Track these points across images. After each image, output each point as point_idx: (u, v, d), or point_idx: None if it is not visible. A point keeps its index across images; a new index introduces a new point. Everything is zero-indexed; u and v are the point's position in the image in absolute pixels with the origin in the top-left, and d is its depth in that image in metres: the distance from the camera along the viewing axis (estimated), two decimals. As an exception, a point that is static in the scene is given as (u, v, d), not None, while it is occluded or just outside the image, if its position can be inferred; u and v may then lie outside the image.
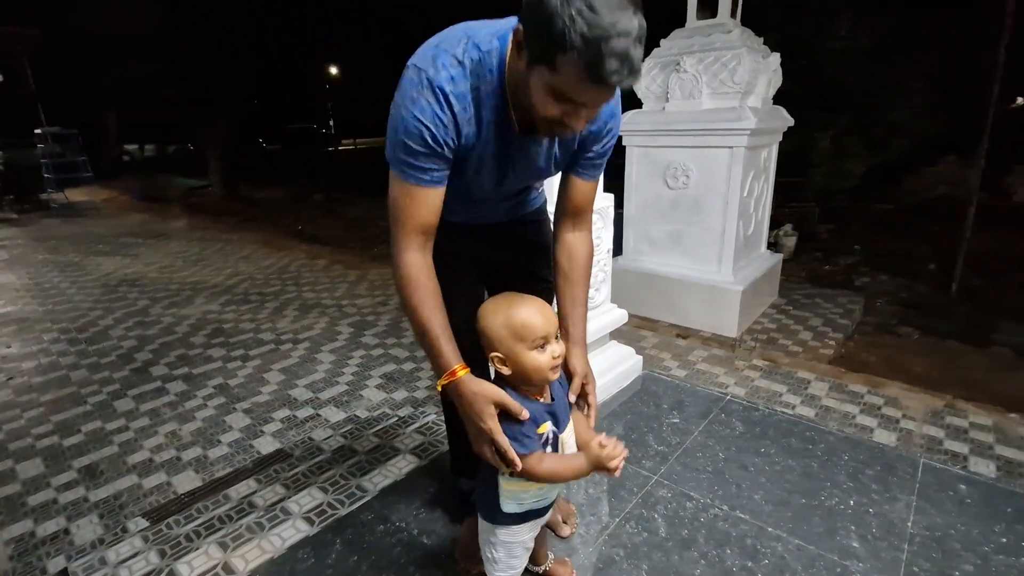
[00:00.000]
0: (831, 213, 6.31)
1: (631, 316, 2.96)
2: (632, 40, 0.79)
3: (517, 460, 0.98)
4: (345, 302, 3.98)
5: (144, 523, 1.73)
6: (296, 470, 1.96)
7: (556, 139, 1.10)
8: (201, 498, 1.84)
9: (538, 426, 1.03)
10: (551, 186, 1.49)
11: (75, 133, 11.17)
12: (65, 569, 1.55)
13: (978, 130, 3.92)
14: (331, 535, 1.61)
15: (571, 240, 1.24)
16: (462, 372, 1.02)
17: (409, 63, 0.99)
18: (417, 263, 1.05)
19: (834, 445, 1.99)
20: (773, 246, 4.48)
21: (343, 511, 1.70)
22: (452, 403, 1.46)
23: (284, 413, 2.44)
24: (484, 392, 0.99)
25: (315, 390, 2.65)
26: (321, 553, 1.54)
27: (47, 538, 1.73)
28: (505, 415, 1.01)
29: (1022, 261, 4.69)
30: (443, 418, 2.14)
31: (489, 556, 1.20)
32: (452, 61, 0.96)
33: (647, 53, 3.29)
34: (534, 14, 0.83)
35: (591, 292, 2.18)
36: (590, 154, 1.16)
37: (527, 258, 1.39)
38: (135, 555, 1.55)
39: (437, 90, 0.95)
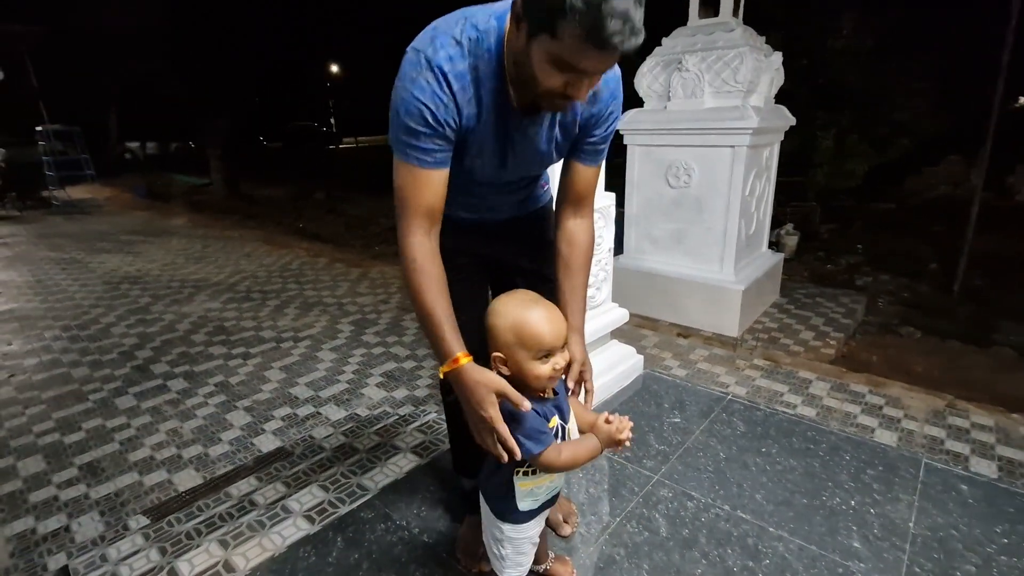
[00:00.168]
0: (833, 213, 6.31)
1: (632, 315, 2.96)
2: (632, 1, 0.79)
3: (517, 449, 0.98)
4: (346, 300, 3.98)
5: (145, 520, 1.73)
6: (297, 468, 1.96)
7: (556, 121, 1.09)
8: (202, 496, 1.84)
9: (548, 421, 1.04)
10: (556, 184, 1.48)
11: (77, 131, 11.18)
12: (66, 566, 1.55)
13: (980, 130, 3.91)
14: (332, 533, 1.61)
15: (572, 227, 1.25)
16: (464, 360, 1.01)
17: (409, 47, 1.00)
18: (422, 247, 1.04)
19: (836, 445, 1.99)
20: (775, 245, 4.48)
21: (344, 509, 1.70)
22: (453, 402, 1.46)
23: (285, 411, 2.44)
24: (486, 381, 0.99)
25: (316, 388, 2.65)
26: (322, 551, 1.54)
27: (48, 535, 1.74)
28: (519, 416, 1.01)
29: (1024, 261, 4.69)
30: (444, 416, 2.15)
31: (496, 553, 1.20)
32: (450, 41, 0.96)
33: (648, 52, 3.29)
34: None
35: (592, 291, 2.18)
36: (592, 139, 1.15)
37: (532, 257, 1.38)
38: (136, 552, 1.56)
39: (436, 69, 0.95)
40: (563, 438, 1.08)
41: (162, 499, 1.88)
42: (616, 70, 1.11)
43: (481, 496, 1.20)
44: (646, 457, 1.94)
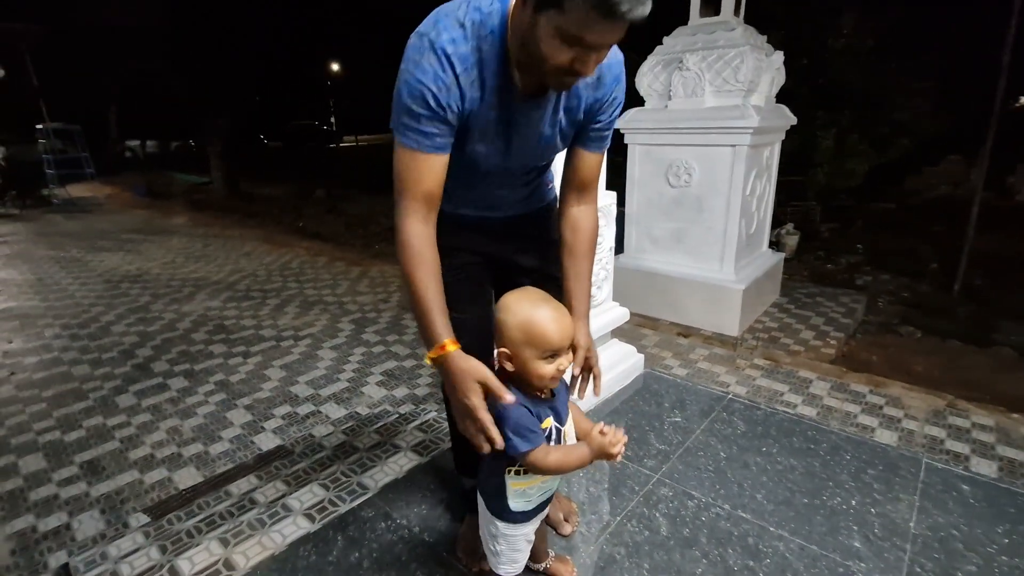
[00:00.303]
0: (834, 212, 6.31)
1: (632, 314, 2.96)
2: None
3: (498, 438, 0.98)
4: (346, 299, 3.98)
5: (145, 519, 1.73)
6: (297, 466, 1.96)
7: (560, 106, 1.09)
8: (202, 494, 1.84)
9: (541, 421, 1.04)
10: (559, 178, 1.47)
11: (77, 129, 11.18)
12: (66, 564, 1.55)
13: (981, 130, 3.91)
14: (332, 532, 1.61)
15: (576, 214, 1.25)
16: (451, 347, 1.01)
17: (413, 32, 1.00)
18: (418, 232, 1.05)
19: (836, 445, 1.99)
20: (775, 245, 4.47)
21: (344, 508, 1.70)
22: None
23: (285, 409, 2.44)
24: (470, 369, 0.99)
25: (316, 387, 2.65)
26: (322, 550, 1.54)
27: (48, 533, 1.74)
28: (510, 412, 1.01)
29: (1025, 261, 4.69)
30: (444, 415, 2.15)
31: (492, 550, 1.21)
32: (453, 23, 0.97)
33: (649, 51, 3.29)
34: None
35: (593, 290, 2.18)
36: (597, 125, 1.16)
37: (538, 256, 1.37)
38: (136, 550, 1.55)
39: (439, 51, 0.95)
40: (558, 441, 1.08)
41: (162, 497, 1.88)
42: (619, 55, 1.12)
43: (479, 492, 1.21)
44: (646, 456, 1.94)
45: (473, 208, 1.27)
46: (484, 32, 0.97)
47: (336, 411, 2.41)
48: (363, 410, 2.42)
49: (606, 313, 2.32)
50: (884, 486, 1.76)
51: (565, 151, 1.24)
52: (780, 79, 3.28)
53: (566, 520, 1.58)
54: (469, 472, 1.51)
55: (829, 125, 5.68)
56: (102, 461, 2.11)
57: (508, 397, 0.99)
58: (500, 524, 1.16)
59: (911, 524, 1.60)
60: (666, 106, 3.18)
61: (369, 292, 4.14)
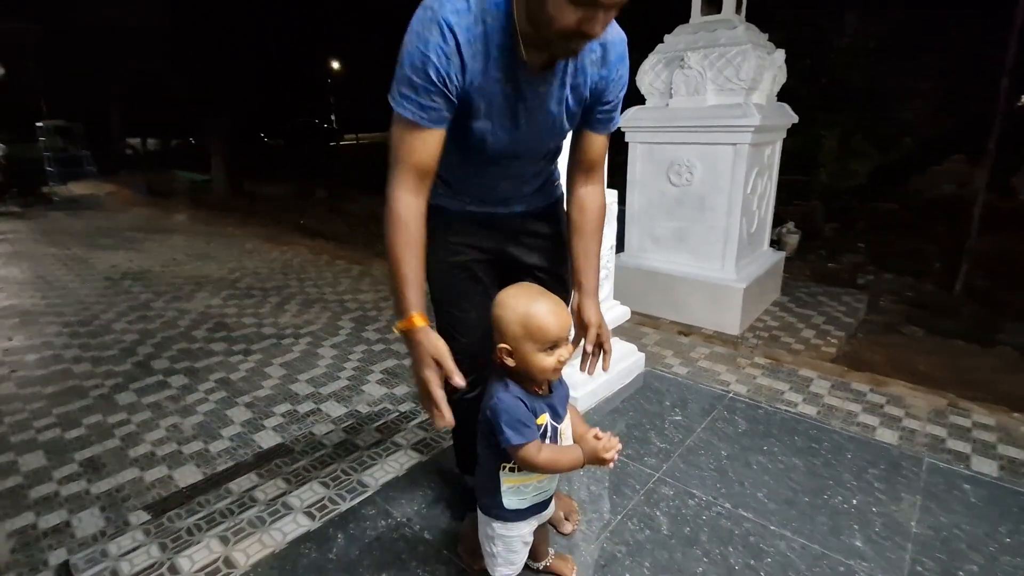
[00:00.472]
0: (836, 212, 6.29)
1: (633, 313, 2.95)
2: None
3: (448, 415, 1.01)
4: (347, 297, 3.98)
5: (145, 516, 1.73)
6: (297, 464, 1.95)
7: (567, 82, 1.09)
8: (202, 492, 1.84)
9: (536, 417, 1.04)
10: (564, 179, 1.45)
11: (78, 127, 11.19)
12: (67, 562, 1.55)
13: (985, 130, 3.90)
14: (332, 530, 1.60)
15: (583, 193, 1.27)
16: (419, 322, 1.03)
17: (419, 5, 1.01)
18: (407, 203, 1.06)
19: (838, 444, 1.98)
20: (775, 244, 4.47)
21: (344, 506, 1.70)
22: (457, 400, 1.45)
23: (285, 407, 2.44)
24: (429, 345, 1.02)
25: (316, 385, 2.65)
26: (322, 548, 1.54)
27: (49, 530, 1.73)
28: (505, 404, 1.02)
29: (1027, 261, 4.67)
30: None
31: (488, 551, 1.21)
32: None
33: (650, 49, 3.28)
34: None
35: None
36: (604, 106, 1.16)
37: (547, 257, 1.37)
38: (136, 548, 1.55)
39: (442, 22, 0.96)
40: (555, 439, 1.08)
41: (163, 495, 1.88)
42: (622, 35, 1.12)
43: (476, 492, 1.20)
44: (647, 455, 1.93)
45: (480, 203, 1.27)
46: (488, 4, 0.98)
47: (336, 409, 2.41)
48: (363, 408, 2.41)
49: (607, 312, 2.31)
50: (886, 485, 1.76)
51: (571, 137, 1.24)
52: (782, 77, 3.28)
53: (567, 518, 1.57)
54: (470, 470, 1.50)
55: (833, 125, 5.68)
56: (102, 459, 2.11)
57: (458, 380, 1.01)
58: (495, 524, 1.16)
59: (913, 523, 1.59)
60: (667, 104, 3.17)
61: (370, 290, 4.14)
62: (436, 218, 1.30)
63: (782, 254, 3.75)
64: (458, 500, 1.67)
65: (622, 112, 1.26)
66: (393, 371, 2.77)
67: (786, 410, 2.24)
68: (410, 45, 0.98)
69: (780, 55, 3.14)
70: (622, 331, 2.83)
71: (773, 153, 3.37)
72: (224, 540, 1.57)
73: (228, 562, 1.49)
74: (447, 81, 0.99)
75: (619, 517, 1.63)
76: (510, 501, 1.12)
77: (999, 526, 1.58)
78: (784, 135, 3.44)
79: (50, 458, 2.12)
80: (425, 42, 0.96)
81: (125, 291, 4.27)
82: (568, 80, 1.09)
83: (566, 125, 1.17)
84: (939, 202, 6.85)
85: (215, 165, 10.47)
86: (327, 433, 2.19)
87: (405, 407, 2.38)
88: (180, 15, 9.73)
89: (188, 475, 1.98)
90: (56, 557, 1.62)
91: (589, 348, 1.22)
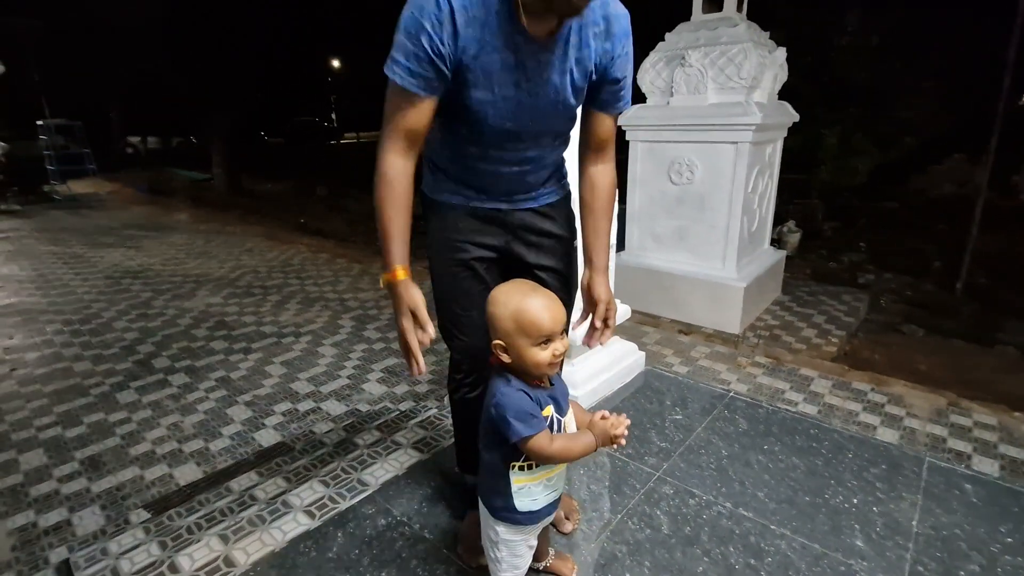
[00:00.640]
0: (837, 210, 6.29)
1: (634, 312, 2.95)
2: None
3: (421, 362, 1.10)
4: (348, 296, 3.98)
5: (146, 514, 1.73)
6: (297, 463, 1.95)
7: (571, 54, 1.09)
8: (203, 490, 1.84)
9: (542, 409, 1.04)
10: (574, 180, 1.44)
11: (78, 125, 11.18)
12: (67, 560, 1.55)
13: (986, 128, 3.89)
14: (332, 528, 1.60)
15: (593, 172, 1.30)
16: (402, 275, 1.11)
17: None
18: (396, 164, 1.10)
19: (839, 443, 1.98)
20: (776, 242, 4.46)
21: (344, 504, 1.70)
22: (458, 400, 1.45)
23: (286, 406, 2.44)
24: (407, 297, 1.10)
25: (317, 383, 2.65)
26: (322, 546, 1.54)
27: (49, 528, 1.74)
28: (511, 398, 1.02)
29: (1028, 260, 4.67)
30: (445, 412, 2.15)
31: (492, 556, 1.19)
32: None
33: (651, 47, 3.28)
34: None
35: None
36: (612, 85, 1.17)
37: (552, 255, 1.35)
38: (137, 546, 1.55)
39: None
40: (559, 432, 1.07)
41: (163, 493, 1.88)
42: (624, 10, 1.13)
43: (478, 495, 1.19)
44: (648, 454, 1.93)
45: (484, 197, 1.26)
46: None
47: (337, 408, 2.41)
48: (364, 407, 2.41)
49: (608, 310, 2.31)
50: (886, 485, 1.75)
51: (580, 118, 1.26)
52: (783, 76, 3.27)
53: (567, 518, 1.57)
54: (470, 469, 1.51)
55: (834, 123, 5.67)
56: (103, 457, 2.11)
57: (430, 330, 1.11)
58: (500, 529, 1.14)
59: (913, 523, 1.59)
60: (668, 103, 3.16)
61: (370, 289, 4.14)
62: (439, 215, 1.30)
63: (783, 253, 3.74)
64: (458, 499, 1.67)
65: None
66: (393, 369, 2.77)
67: (787, 409, 2.24)
68: (407, 12, 1.00)
69: (781, 53, 3.14)
70: (622, 330, 2.83)
71: (774, 152, 3.37)
72: (224, 538, 1.57)
73: (228, 560, 1.49)
74: (441, 46, 1.00)
75: (619, 516, 1.63)
76: (522, 503, 1.10)
77: (1000, 526, 1.58)
78: (785, 134, 3.43)
79: (50, 456, 2.12)
80: (420, 9, 0.98)
81: (126, 289, 4.27)
82: (572, 53, 1.09)
83: (571, 100, 1.15)
84: (940, 201, 6.85)
85: (216, 164, 10.46)
86: (327, 432, 2.19)
87: (405, 406, 2.38)
88: (181, 14, 9.71)
89: (188, 473, 1.99)
90: (56, 555, 1.62)
91: (598, 323, 1.27)
